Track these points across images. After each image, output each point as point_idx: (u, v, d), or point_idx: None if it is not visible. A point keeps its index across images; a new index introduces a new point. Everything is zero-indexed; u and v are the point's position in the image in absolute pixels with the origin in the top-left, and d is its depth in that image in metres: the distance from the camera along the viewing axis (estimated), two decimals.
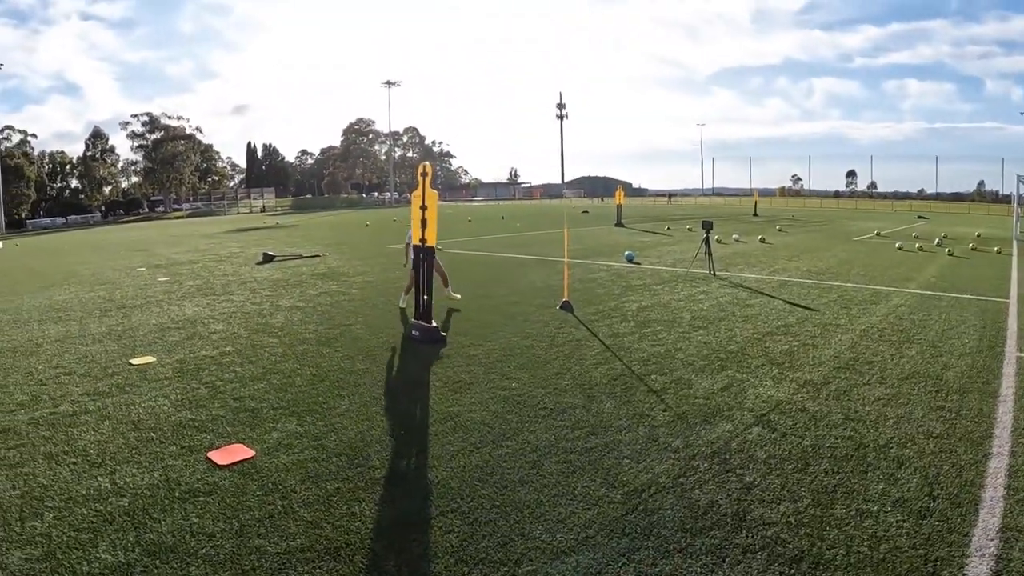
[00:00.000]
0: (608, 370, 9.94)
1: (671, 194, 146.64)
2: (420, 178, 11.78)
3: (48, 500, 6.55)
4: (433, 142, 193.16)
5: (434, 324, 11.89)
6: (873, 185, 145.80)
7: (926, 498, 5.98)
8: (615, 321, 13.30)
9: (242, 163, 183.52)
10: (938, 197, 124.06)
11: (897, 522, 5.56)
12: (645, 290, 17.29)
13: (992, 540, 5.32)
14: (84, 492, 6.65)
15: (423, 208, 11.75)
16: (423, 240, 11.87)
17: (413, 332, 12.07)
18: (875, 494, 6.07)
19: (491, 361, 10.54)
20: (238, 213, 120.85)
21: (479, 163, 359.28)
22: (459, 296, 14.12)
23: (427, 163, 12.17)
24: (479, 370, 10.07)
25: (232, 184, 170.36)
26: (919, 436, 7.41)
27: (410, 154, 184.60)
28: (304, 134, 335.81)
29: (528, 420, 7.92)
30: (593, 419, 7.90)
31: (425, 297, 11.93)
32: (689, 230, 40.96)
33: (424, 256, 11.91)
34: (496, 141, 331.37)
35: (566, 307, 14.53)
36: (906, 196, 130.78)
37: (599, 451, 7.01)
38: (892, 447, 7.12)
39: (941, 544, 5.24)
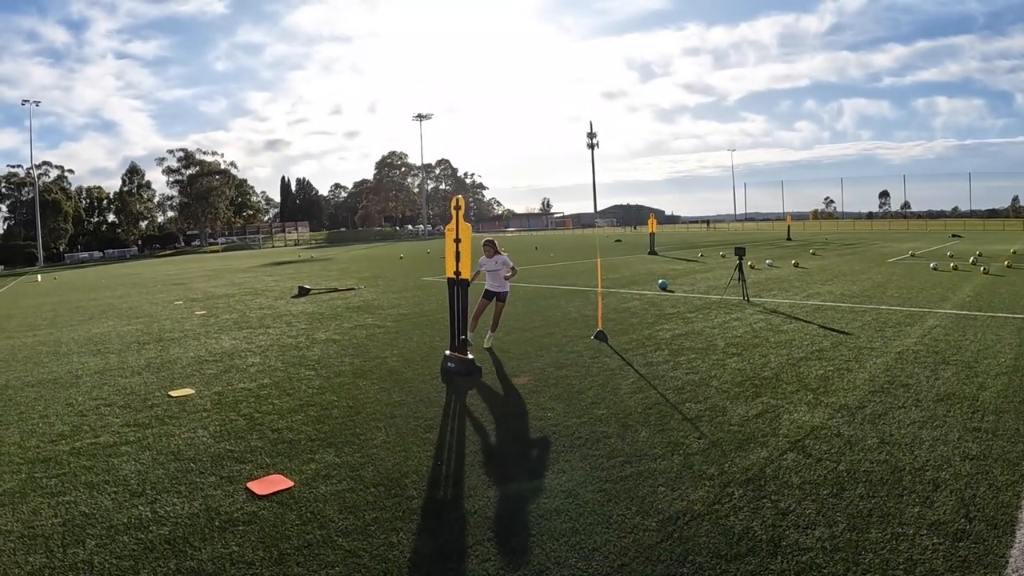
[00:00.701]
0: (643, 399, 9.94)
1: (708, 221, 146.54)
2: (453, 211, 11.90)
3: (89, 528, 6.67)
4: (465, 174, 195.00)
5: (470, 356, 11.95)
6: (907, 205, 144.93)
7: (962, 520, 5.94)
8: (649, 350, 13.30)
9: (276, 197, 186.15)
10: (972, 214, 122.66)
11: (933, 545, 5.53)
12: (679, 318, 17.26)
13: None
14: (125, 520, 6.76)
15: (457, 241, 11.85)
16: (457, 273, 11.96)
17: (449, 364, 12.14)
18: (911, 517, 6.03)
19: (527, 392, 10.58)
20: (273, 247, 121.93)
21: (511, 194, 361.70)
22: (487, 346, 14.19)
23: (460, 196, 12.27)
24: (515, 401, 10.13)
25: (267, 218, 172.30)
26: (955, 458, 7.36)
27: (443, 186, 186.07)
28: (338, 169, 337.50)
29: (564, 450, 7.94)
30: (628, 448, 7.91)
31: (461, 337, 12.03)
32: (722, 257, 40.82)
33: (459, 288, 11.99)
34: (528, 172, 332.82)
35: (600, 336, 14.54)
36: (940, 215, 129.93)
37: (634, 479, 7.02)
38: (928, 470, 7.07)
39: (978, 566, 5.21)
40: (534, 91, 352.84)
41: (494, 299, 14.08)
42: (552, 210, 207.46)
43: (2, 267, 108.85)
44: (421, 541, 5.94)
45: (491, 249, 13.76)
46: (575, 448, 8.00)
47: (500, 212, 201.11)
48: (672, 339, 14.41)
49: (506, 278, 13.83)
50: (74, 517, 6.96)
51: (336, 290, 28.56)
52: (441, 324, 16.82)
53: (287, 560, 5.70)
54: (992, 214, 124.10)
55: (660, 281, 25.68)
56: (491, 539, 5.91)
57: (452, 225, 11.93)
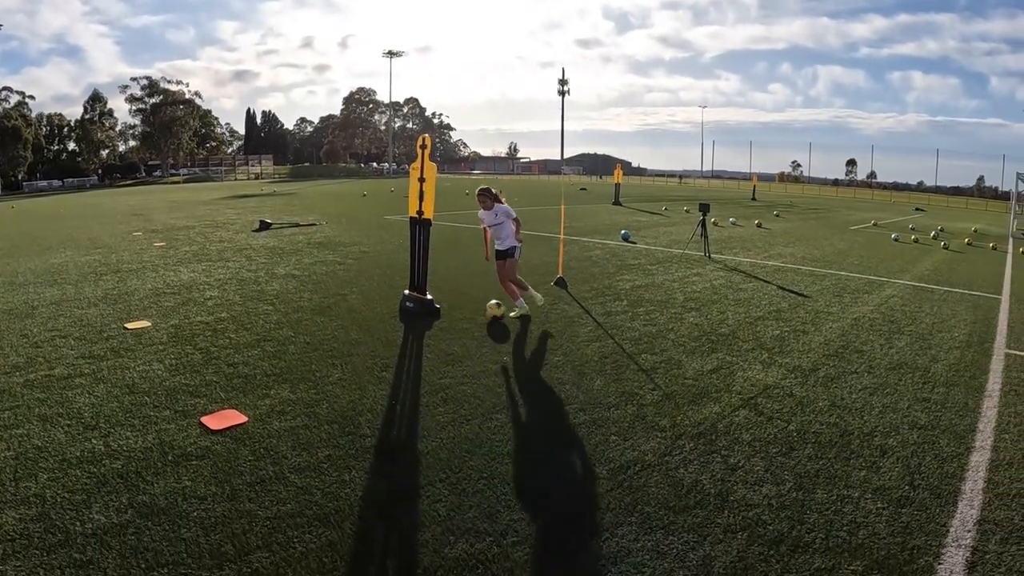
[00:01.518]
0: (599, 348, 10.01)
1: (681, 175, 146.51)
2: (419, 150, 11.79)
3: (42, 461, 6.62)
4: (433, 114, 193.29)
5: (429, 296, 11.91)
6: (873, 175, 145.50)
7: (907, 487, 6.07)
8: (608, 299, 13.36)
9: (241, 130, 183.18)
10: (937, 190, 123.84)
11: (877, 509, 5.65)
12: (639, 270, 17.35)
13: (969, 532, 5.41)
14: (78, 454, 6.72)
15: (421, 180, 11.76)
16: (420, 212, 11.87)
17: (407, 304, 12.10)
18: (857, 481, 6.16)
19: (484, 335, 10.60)
20: (235, 179, 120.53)
21: (479, 137, 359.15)
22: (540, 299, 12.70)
23: (426, 136, 12.13)
24: (472, 343, 10.13)
25: (230, 151, 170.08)
26: (903, 426, 7.51)
27: (410, 125, 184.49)
28: (305, 103, 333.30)
29: (518, 395, 8.00)
30: (583, 396, 7.98)
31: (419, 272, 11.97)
32: (686, 212, 41.01)
33: (421, 228, 11.91)
34: (497, 115, 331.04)
35: (560, 284, 14.59)
36: (905, 187, 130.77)
37: (587, 427, 7.09)
38: (876, 436, 7.21)
39: (919, 533, 5.34)
40: (508, 35, 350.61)
41: (506, 259, 11.91)
42: (519, 155, 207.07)
43: None
44: (374, 480, 5.98)
45: (487, 199, 11.79)
46: (530, 394, 8.07)
47: (466, 154, 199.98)
48: (632, 290, 14.50)
49: (518, 239, 11.95)
50: (27, 450, 6.90)
51: (298, 225, 28.38)
52: (402, 263, 16.60)
53: (239, 496, 5.71)
54: (956, 192, 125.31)
55: (623, 232, 25.79)
56: (443, 480, 5.95)
57: (417, 164, 11.82)
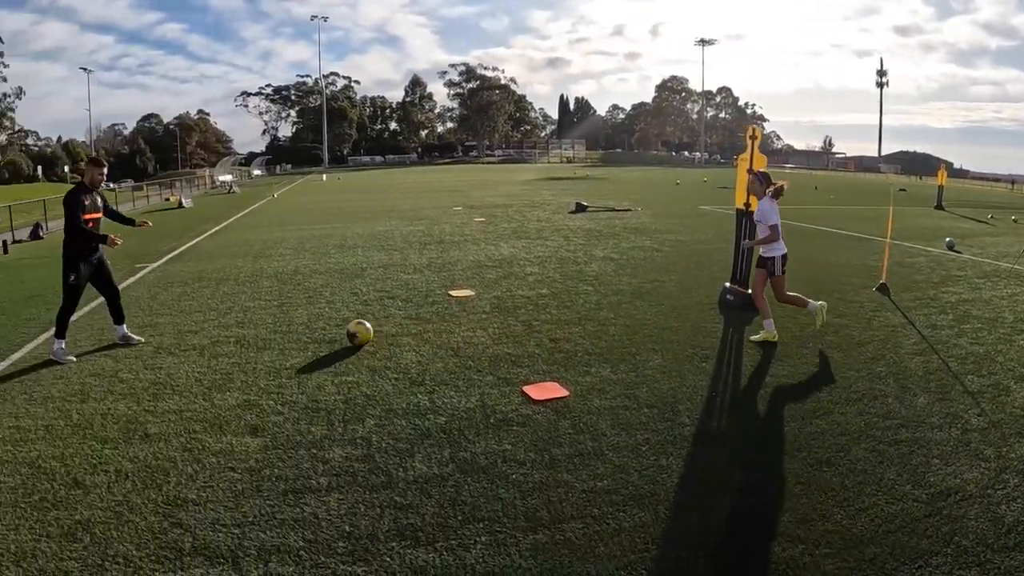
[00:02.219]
0: (923, 363, 9.48)
1: (1013, 181, 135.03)
2: (748, 141, 11.70)
3: (370, 408, 7.31)
4: (746, 104, 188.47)
5: (749, 291, 11.73)
6: None
7: None
8: (933, 311, 12.59)
9: (554, 114, 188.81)
10: None
11: None
12: (966, 282, 16.20)
13: None
14: (404, 406, 7.34)
15: (750, 172, 11.57)
16: (747, 204, 11.72)
17: (728, 296, 12.00)
18: None
19: (805, 335, 10.29)
20: (548, 162, 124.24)
21: (792, 129, 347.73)
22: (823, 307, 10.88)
23: (755, 127, 12.07)
24: (792, 342, 9.88)
25: (543, 134, 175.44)
26: None
27: (722, 115, 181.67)
28: (616, 90, 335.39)
29: (839, 401, 7.72)
30: (905, 411, 7.61)
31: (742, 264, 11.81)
32: (1014, 221, 37.85)
33: (747, 220, 11.71)
34: (810, 107, 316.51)
35: (882, 290, 13.92)
36: None
37: (908, 445, 6.78)
38: None
39: None
40: (823, 21, 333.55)
41: (759, 267, 10.11)
42: (833, 149, 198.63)
43: (289, 166, 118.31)
44: (691, 468, 6.04)
45: (756, 183, 10.32)
46: (851, 401, 7.77)
47: (780, 147, 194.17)
48: (957, 304, 13.55)
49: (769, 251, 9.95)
50: (355, 397, 7.63)
51: (613, 209, 28.84)
52: (720, 254, 16.54)
53: (557, 465, 5.99)
54: None
55: (947, 239, 24.11)
56: (760, 478, 5.93)
57: (746, 155, 11.73)
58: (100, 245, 9.32)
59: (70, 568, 4.68)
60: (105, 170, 9.70)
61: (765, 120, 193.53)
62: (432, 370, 8.44)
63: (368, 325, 9.73)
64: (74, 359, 9.27)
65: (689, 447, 6.44)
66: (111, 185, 70.38)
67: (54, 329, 9.43)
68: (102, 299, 10.24)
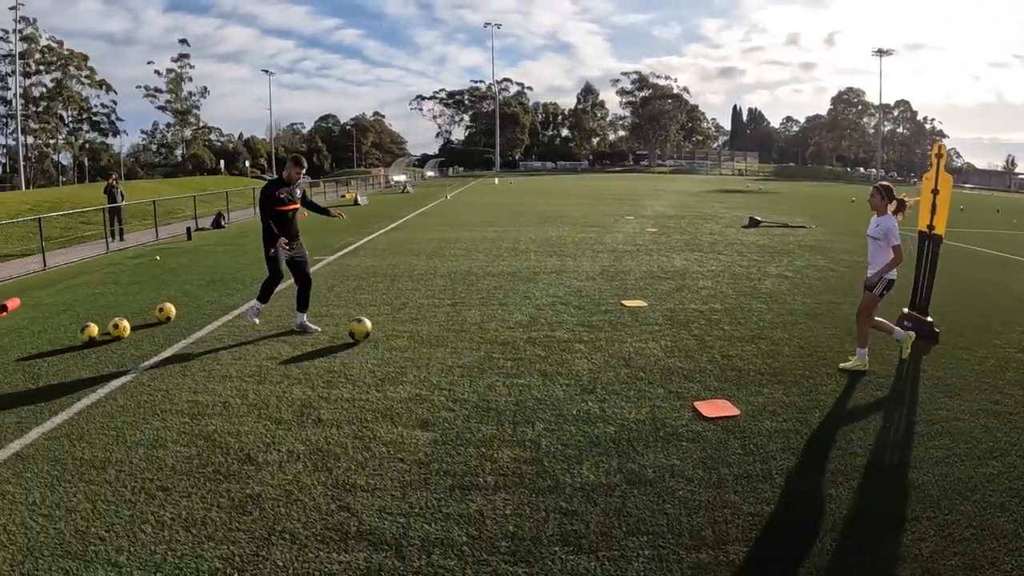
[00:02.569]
0: None
1: None
2: (934, 159, 11.16)
3: (540, 412, 7.36)
4: (924, 118, 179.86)
5: (929, 319, 11.18)
6: None
7: None
8: None
9: (726, 125, 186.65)
10: None
11: None
12: None
13: None
14: (574, 412, 7.35)
15: (935, 192, 11.09)
16: (931, 227, 11.17)
17: (904, 323, 11.47)
18: None
19: (984, 369, 9.53)
20: (720, 174, 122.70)
21: (971, 146, 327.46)
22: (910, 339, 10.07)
23: (941, 144, 11.47)
24: (970, 376, 9.23)
25: (715, 145, 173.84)
26: None
27: (900, 129, 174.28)
28: (790, 101, 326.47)
29: (1017, 443, 7.11)
30: None
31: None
32: None
33: (930, 243, 11.19)
34: (991, 123, 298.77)
35: None
36: None
37: None
38: None
39: None
40: (1007, 28, 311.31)
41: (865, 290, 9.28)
42: (1016, 169, 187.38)
43: (462, 169, 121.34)
44: (861, 501, 5.74)
45: (877, 198, 9.20)
46: None
47: (959, 165, 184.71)
48: None
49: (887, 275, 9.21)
50: (526, 400, 7.69)
51: (787, 225, 28.16)
52: (898, 278, 15.76)
53: (725, 485, 5.84)
54: None
55: None
56: (929, 518, 5.47)
57: (931, 174, 11.17)
58: (299, 235, 10.39)
59: (237, 538, 4.95)
60: (303, 169, 10.33)
61: (944, 136, 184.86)
62: (603, 379, 8.41)
63: (367, 321, 10.25)
64: (258, 322, 10.69)
65: (860, 479, 6.12)
66: None
67: (259, 293, 10.56)
68: (289, 283, 11.03)
